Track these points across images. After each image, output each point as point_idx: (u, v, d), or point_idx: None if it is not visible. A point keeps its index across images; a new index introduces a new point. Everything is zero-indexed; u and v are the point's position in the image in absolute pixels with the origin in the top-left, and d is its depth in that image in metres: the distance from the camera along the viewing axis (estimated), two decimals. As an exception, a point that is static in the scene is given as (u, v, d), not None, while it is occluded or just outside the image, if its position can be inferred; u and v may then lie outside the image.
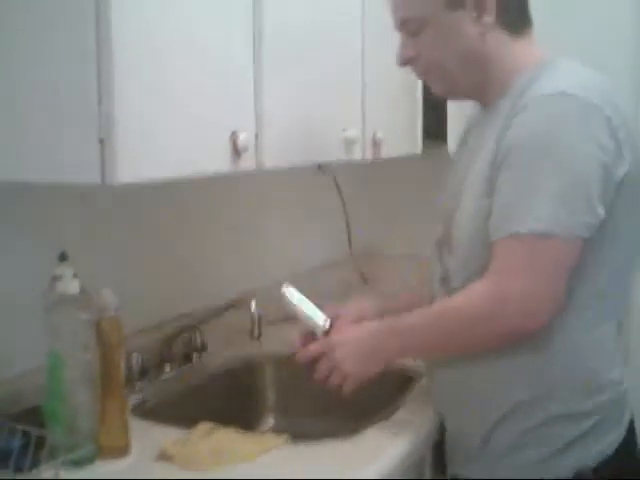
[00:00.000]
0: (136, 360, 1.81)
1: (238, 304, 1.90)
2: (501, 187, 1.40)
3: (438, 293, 1.58)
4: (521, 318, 1.39)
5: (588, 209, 1.37)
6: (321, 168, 2.36)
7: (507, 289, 1.38)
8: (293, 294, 1.69)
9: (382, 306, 1.79)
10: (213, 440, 1.53)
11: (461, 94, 1.64)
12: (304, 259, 2.65)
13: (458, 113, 2.42)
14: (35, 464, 1.32)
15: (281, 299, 1.68)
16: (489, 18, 1.50)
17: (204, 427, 1.57)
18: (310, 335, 1.67)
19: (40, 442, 1.33)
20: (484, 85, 1.55)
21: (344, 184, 2.68)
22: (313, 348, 1.62)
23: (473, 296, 1.43)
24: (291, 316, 2.30)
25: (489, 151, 1.45)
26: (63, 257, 1.41)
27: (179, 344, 1.97)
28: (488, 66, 1.53)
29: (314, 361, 1.61)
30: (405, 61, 1.59)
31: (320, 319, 1.67)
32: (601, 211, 1.38)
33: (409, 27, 1.55)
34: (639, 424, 1.57)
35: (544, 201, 1.35)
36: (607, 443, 1.48)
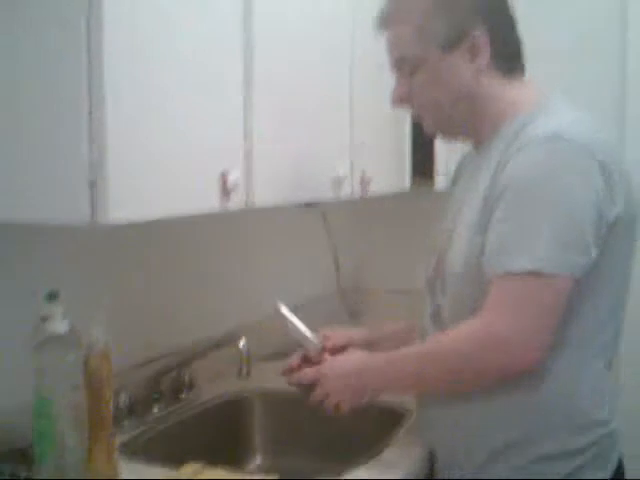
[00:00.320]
0: (124, 398, 1.80)
1: (226, 341, 1.90)
2: (496, 226, 1.41)
3: (430, 329, 1.59)
4: (513, 357, 1.39)
5: (582, 249, 1.38)
6: (310, 204, 2.37)
7: (500, 328, 1.39)
8: (287, 312, 1.71)
9: (369, 335, 1.80)
10: (201, 480, 1.52)
11: (454, 134, 1.66)
12: (293, 294, 2.64)
13: (446, 151, 2.45)
14: (23, 505, 1.31)
15: (275, 316, 1.70)
16: (483, 59, 1.52)
17: (192, 467, 1.55)
18: (304, 359, 1.69)
19: (28, 483, 1.32)
20: (477, 125, 1.57)
21: (332, 219, 2.69)
22: (308, 376, 1.63)
23: (465, 334, 1.43)
24: (281, 348, 2.31)
25: (482, 191, 1.46)
26: (52, 296, 1.40)
27: (167, 382, 1.95)
28: (482, 106, 1.55)
29: (309, 386, 1.62)
30: (399, 100, 1.61)
31: (314, 338, 1.72)
32: (594, 252, 1.39)
33: (405, 67, 1.57)
34: (627, 462, 1.57)
35: (539, 240, 1.36)
36: None
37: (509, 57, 1.57)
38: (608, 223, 1.41)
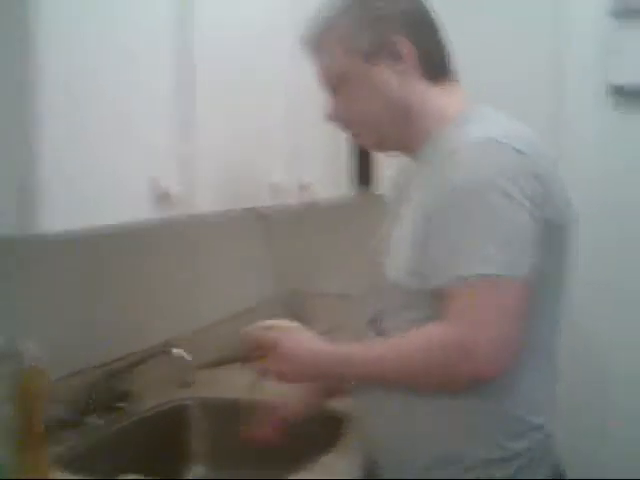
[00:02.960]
0: (59, 409, 1.77)
1: (165, 350, 1.88)
2: (440, 235, 1.41)
3: (367, 334, 1.57)
4: (482, 367, 1.38)
5: (526, 250, 1.38)
6: (249, 209, 2.36)
7: (467, 337, 1.37)
8: None
9: None
10: (138, 493, 1.50)
11: (389, 146, 1.66)
12: (234, 302, 2.64)
13: (386, 158, 2.45)
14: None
15: None
16: (408, 66, 1.53)
17: (129, 478, 1.53)
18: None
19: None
20: (410, 135, 1.57)
21: (272, 224, 2.68)
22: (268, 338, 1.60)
23: (437, 342, 1.41)
24: (221, 356, 2.30)
25: (419, 199, 1.46)
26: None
27: (104, 392, 1.92)
28: (412, 115, 1.55)
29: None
30: (332, 118, 1.62)
31: None
32: (536, 253, 1.40)
33: (333, 85, 1.58)
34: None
35: (485, 244, 1.36)
36: None
37: (435, 64, 1.58)
38: (545, 225, 1.42)
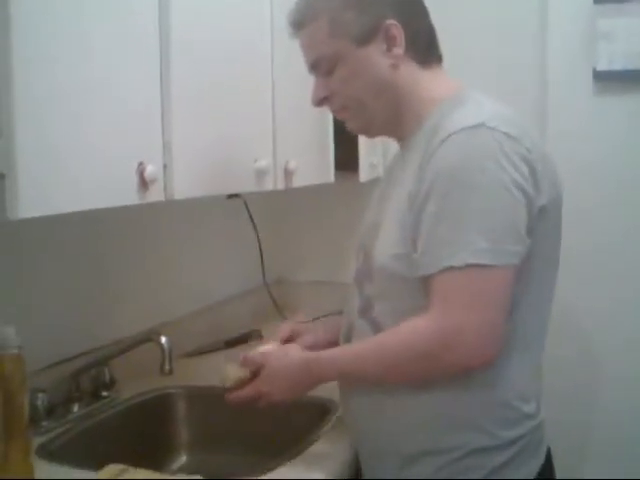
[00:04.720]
0: (42, 399, 1.75)
1: (148, 338, 1.85)
2: (429, 221, 1.39)
3: (357, 323, 1.56)
4: (471, 354, 1.38)
5: (516, 237, 1.37)
6: (232, 195, 2.35)
7: (455, 327, 1.36)
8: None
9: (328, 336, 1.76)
10: (122, 483, 1.48)
11: (377, 130, 1.64)
12: (217, 289, 2.62)
13: (369, 144, 2.44)
14: None
15: None
16: (399, 49, 1.51)
17: (113, 469, 1.51)
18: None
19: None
20: (399, 119, 1.56)
21: (256, 210, 2.66)
22: (249, 394, 1.59)
23: (419, 333, 1.40)
24: (203, 344, 2.27)
25: (408, 185, 1.44)
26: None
27: (87, 380, 1.91)
28: (402, 98, 1.54)
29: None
30: (320, 102, 1.60)
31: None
32: (527, 239, 1.39)
33: (321, 67, 1.56)
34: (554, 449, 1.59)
35: (474, 233, 1.35)
36: (528, 470, 1.49)
37: (424, 47, 1.56)
38: (536, 210, 1.41)
